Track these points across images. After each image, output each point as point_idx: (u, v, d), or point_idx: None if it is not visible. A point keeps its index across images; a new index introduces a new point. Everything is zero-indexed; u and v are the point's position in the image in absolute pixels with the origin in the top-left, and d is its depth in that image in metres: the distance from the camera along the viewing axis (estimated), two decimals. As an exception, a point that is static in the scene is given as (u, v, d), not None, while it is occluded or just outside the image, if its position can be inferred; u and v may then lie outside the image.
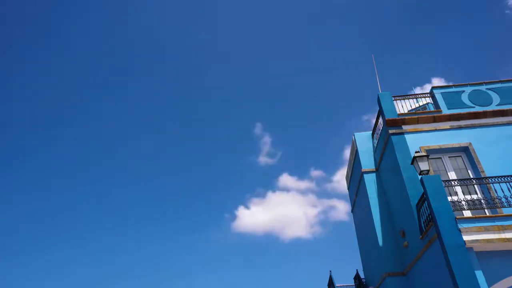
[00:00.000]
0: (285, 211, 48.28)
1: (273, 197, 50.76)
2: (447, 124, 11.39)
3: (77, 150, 48.64)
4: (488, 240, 7.98)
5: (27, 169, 47.51)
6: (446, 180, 9.00)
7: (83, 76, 49.06)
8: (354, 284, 16.18)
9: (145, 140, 50.38)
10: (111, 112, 50.41)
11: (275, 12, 49.80)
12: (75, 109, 49.10)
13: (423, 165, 9.20)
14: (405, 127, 11.53)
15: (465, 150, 10.91)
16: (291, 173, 54.54)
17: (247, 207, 51.51)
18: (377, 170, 13.46)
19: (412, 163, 9.57)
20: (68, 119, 48.54)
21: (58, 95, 48.72)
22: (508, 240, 7.94)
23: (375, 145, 13.67)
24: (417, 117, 11.58)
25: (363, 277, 15.33)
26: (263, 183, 53.48)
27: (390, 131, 11.53)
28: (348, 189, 17.48)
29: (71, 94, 48.84)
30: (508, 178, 8.72)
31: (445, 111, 11.69)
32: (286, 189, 51.06)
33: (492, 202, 8.83)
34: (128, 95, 50.69)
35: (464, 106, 11.74)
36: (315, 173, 51.94)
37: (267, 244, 46.46)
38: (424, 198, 8.94)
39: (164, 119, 51.41)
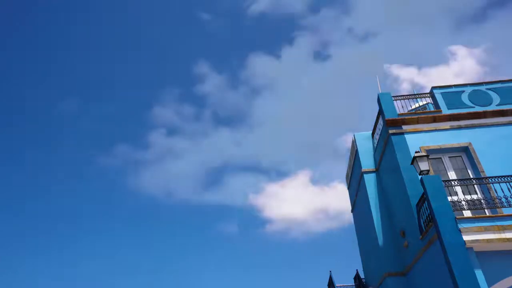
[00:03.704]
0: (284, 211, 48.24)
1: (272, 198, 50.71)
2: (447, 124, 11.39)
3: (76, 150, 48.60)
4: (488, 240, 7.98)
5: (27, 169, 47.50)
6: (446, 180, 9.01)
7: (82, 76, 49.03)
8: (354, 284, 16.17)
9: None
10: (111, 112, 50.37)
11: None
12: (75, 109, 49.05)
13: (423, 165, 9.20)
14: (405, 127, 11.52)
15: (465, 150, 10.91)
16: (291, 173, 54.48)
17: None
18: (377, 170, 13.45)
19: (412, 163, 9.57)
20: (68, 119, 48.52)
21: (58, 95, 48.69)
22: (508, 240, 7.95)
23: (375, 145, 13.66)
24: (417, 117, 11.58)
25: (363, 277, 15.33)
26: (262, 183, 53.43)
27: (390, 131, 11.52)
28: (348, 189, 17.46)
29: (70, 94, 48.81)
30: (508, 178, 8.72)
31: (445, 111, 11.69)
32: (286, 189, 50.99)
33: (492, 202, 8.84)
34: (128, 95, 50.64)
35: (464, 106, 11.74)
36: (316, 171, 51.90)
37: (266, 244, 46.42)
38: (424, 198, 8.94)
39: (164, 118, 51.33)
